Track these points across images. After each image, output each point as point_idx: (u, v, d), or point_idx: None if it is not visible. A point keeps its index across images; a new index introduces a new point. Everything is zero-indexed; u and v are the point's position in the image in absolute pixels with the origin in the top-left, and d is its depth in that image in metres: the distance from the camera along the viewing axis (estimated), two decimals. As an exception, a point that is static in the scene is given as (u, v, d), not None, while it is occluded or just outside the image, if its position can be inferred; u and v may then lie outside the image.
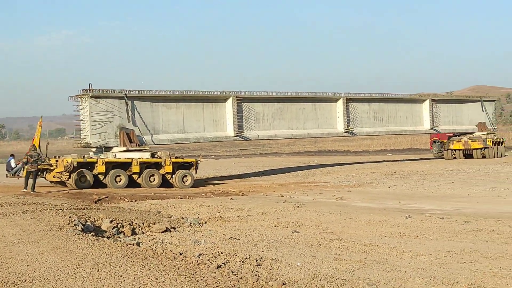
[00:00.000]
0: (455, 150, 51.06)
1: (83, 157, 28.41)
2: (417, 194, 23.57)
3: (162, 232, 13.37)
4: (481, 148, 49.93)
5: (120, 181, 28.21)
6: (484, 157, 49.63)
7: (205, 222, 15.15)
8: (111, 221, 13.70)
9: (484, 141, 49.71)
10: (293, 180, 34.29)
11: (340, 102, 40.32)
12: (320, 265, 9.63)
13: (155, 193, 25.17)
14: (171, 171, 29.64)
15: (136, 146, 29.97)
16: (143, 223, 14.07)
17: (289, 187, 28.81)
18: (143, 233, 13.33)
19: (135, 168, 28.71)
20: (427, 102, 46.58)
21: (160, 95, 32.46)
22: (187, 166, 30.72)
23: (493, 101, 57.69)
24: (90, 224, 13.29)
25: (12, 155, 30.52)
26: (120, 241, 11.74)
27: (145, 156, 29.59)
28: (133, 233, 13.21)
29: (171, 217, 16.03)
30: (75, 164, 27.35)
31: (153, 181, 29.10)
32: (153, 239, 12.39)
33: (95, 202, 21.33)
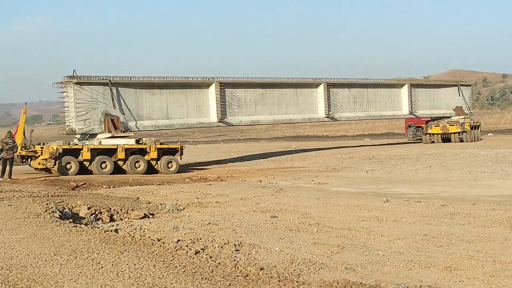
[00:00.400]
0: (433, 134, 51.58)
1: (69, 144, 28.32)
2: (394, 178, 23.73)
3: (140, 218, 13.32)
4: (459, 132, 50.51)
5: (105, 168, 28.20)
6: (461, 141, 50.24)
7: (184, 208, 15.12)
8: (89, 208, 13.61)
9: (462, 125, 50.27)
10: (272, 165, 34.34)
11: (321, 87, 40.35)
12: (298, 249, 9.68)
13: (133, 179, 25.08)
14: (156, 157, 29.68)
15: (121, 132, 29.93)
16: (121, 210, 13.99)
17: (268, 172, 28.86)
18: (121, 219, 13.26)
19: (121, 155, 28.69)
20: (405, 87, 46.81)
21: (143, 81, 32.34)
22: (172, 152, 30.80)
23: (470, 85, 58.46)
24: (68, 211, 13.19)
25: None
26: (98, 227, 11.67)
27: (130, 142, 29.56)
28: (111, 219, 13.14)
29: (149, 203, 15.96)
30: (60, 151, 27.28)
31: (138, 167, 29.11)
32: (131, 225, 12.34)
33: (73, 189, 21.16)
